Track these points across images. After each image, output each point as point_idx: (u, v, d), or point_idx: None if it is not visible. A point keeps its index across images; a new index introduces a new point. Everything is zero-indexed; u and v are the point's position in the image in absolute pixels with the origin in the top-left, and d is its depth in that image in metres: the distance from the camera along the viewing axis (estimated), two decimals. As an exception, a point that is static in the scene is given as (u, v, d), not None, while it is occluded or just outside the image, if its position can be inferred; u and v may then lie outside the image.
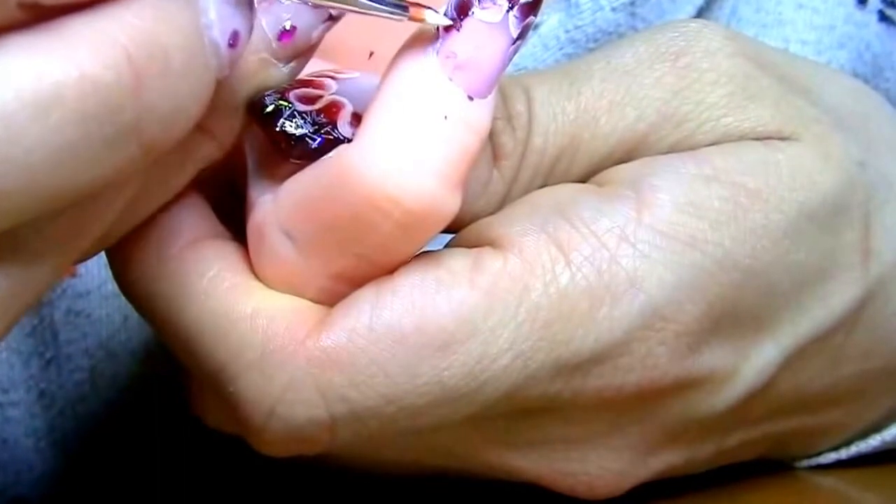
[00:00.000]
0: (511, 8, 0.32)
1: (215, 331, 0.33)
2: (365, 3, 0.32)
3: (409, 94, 0.32)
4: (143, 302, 0.34)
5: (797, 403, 0.38)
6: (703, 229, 0.34)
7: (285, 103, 0.33)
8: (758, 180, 0.35)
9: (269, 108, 0.33)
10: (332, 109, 0.33)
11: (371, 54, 0.37)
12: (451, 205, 0.32)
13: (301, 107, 0.33)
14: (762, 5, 0.46)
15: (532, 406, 0.34)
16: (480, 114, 0.32)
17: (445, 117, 0.32)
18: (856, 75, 0.45)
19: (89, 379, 0.45)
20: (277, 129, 0.33)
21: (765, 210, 0.34)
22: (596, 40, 0.44)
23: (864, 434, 0.41)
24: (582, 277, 0.33)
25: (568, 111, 0.35)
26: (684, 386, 0.35)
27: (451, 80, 0.32)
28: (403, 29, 0.36)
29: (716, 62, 0.36)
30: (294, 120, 0.33)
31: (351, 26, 0.36)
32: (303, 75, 0.34)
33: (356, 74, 0.35)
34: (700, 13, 0.45)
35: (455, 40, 0.32)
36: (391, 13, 0.32)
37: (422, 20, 0.32)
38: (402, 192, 0.31)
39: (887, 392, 0.40)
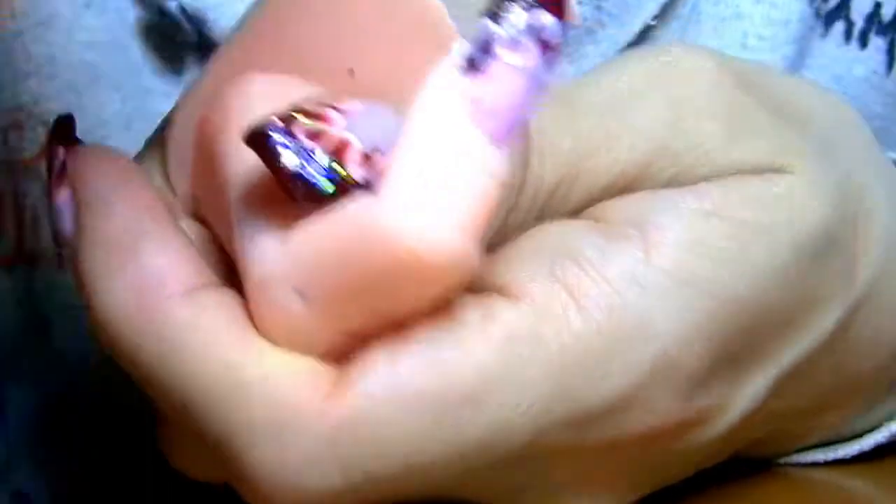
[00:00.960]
0: (540, 50, 0.31)
1: (221, 396, 0.31)
2: None
3: (436, 145, 0.30)
4: (131, 359, 0.32)
5: (775, 417, 0.38)
6: (710, 269, 0.33)
7: (294, 142, 0.31)
8: (757, 215, 0.34)
9: (279, 147, 0.31)
10: (342, 148, 0.31)
11: (351, 71, 0.35)
12: (475, 258, 0.31)
13: (310, 145, 0.31)
14: None
15: (535, 454, 0.33)
16: (504, 162, 0.31)
17: (472, 168, 0.30)
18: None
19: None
20: (290, 171, 0.31)
21: (766, 246, 0.34)
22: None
23: (841, 438, 0.41)
24: (595, 325, 0.32)
25: (566, 143, 0.34)
26: (685, 425, 0.35)
27: (476, 127, 0.30)
28: (385, 46, 0.34)
29: (711, 95, 0.35)
30: (305, 161, 0.31)
31: (330, 43, 0.34)
32: (301, 102, 0.32)
33: (359, 106, 0.33)
34: (664, 9, 0.44)
35: (481, 85, 0.30)
36: None
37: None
38: (434, 251, 0.30)
39: (859, 400, 0.40)
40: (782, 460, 0.41)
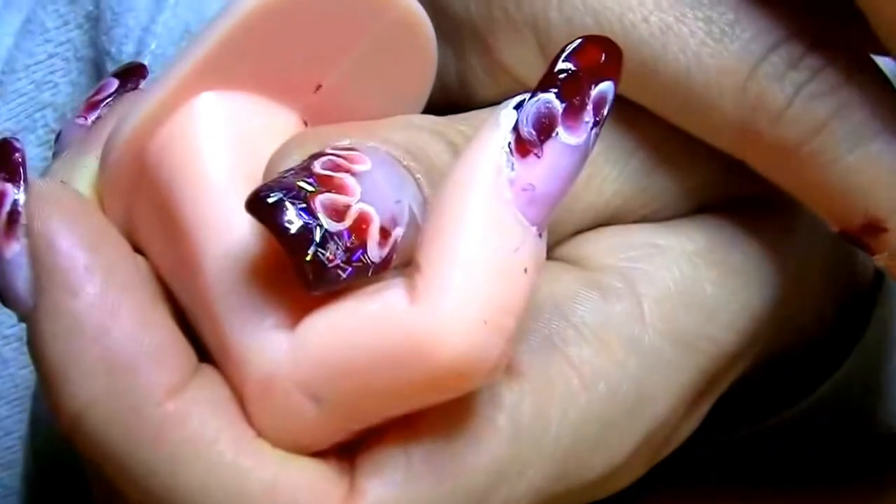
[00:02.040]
0: (596, 124, 0.28)
1: None
2: None
3: (482, 246, 0.27)
4: (106, 461, 0.28)
5: None
6: (700, 324, 0.32)
7: (315, 221, 0.27)
8: (737, 257, 0.33)
9: (299, 228, 0.27)
10: (362, 226, 0.27)
11: (318, 87, 0.31)
12: (509, 356, 0.28)
13: (332, 225, 0.27)
14: None
15: None
16: (544, 249, 0.28)
17: (525, 270, 0.27)
18: None
19: None
20: (309, 258, 0.27)
21: (746, 290, 0.33)
22: None
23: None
24: (598, 402, 0.31)
25: None
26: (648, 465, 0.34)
27: (527, 221, 0.27)
28: (355, 59, 0.31)
29: (676, 134, 0.33)
30: (327, 246, 0.27)
31: (296, 58, 0.30)
32: (312, 162, 0.28)
33: (367, 163, 0.28)
34: None
35: (535, 169, 0.27)
36: None
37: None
38: (480, 363, 0.27)
39: None
40: None
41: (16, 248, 0.28)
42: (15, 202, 0.29)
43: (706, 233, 0.33)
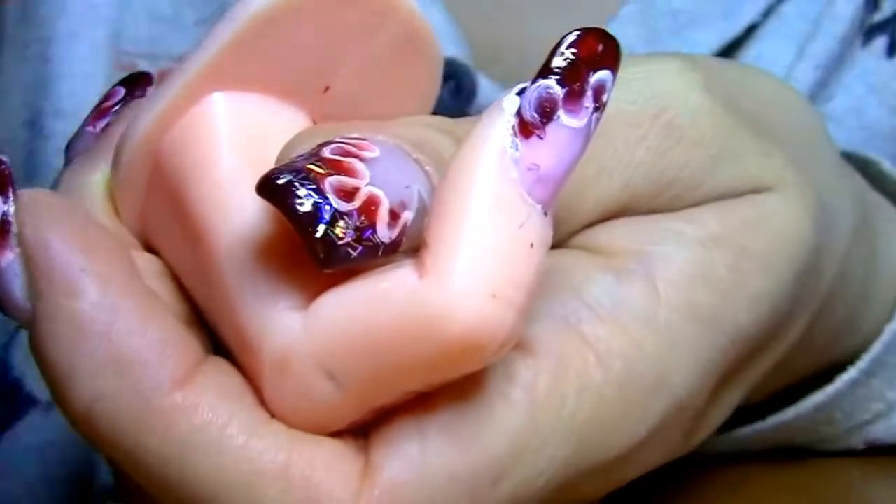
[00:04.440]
0: (596, 109, 0.28)
1: (236, 492, 0.28)
2: None
3: (489, 222, 0.27)
4: (121, 456, 0.28)
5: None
6: (718, 303, 0.33)
7: (324, 201, 0.27)
8: (754, 241, 0.33)
9: (308, 207, 0.27)
10: (371, 207, 0.28)
11: (327, 89, 0.32)
12: (523, 331, 0.29)
13: (341, 205, 0.28)
14: None
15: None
16: (551, 228, 0.28)
17: (532, 245, 0.28)
18: None
19: None
20: (319, 235, 0.27)
21: (765, 273, 0.33)
22: None
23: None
24: (614, 379, 0.31)
25: None
26: (677, 454, 0.34)
27: (532, 199, 0.28)
28: (362, 63, 0.31)
29: (697, 120, 0.33)
30: (337, 224, 0.28)
31: (304, 60, 0.31)
32: (321, 149, 0.29)
33: (375, 150, 0.29)
34: None
35: (538, 150, 0.28)
36: None
37: None
38: (491, 336, 0.27)
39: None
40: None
41: (9, 257, 0.29)
42: (4, 213, 0.29)
43: (719, 219, 0.33)
